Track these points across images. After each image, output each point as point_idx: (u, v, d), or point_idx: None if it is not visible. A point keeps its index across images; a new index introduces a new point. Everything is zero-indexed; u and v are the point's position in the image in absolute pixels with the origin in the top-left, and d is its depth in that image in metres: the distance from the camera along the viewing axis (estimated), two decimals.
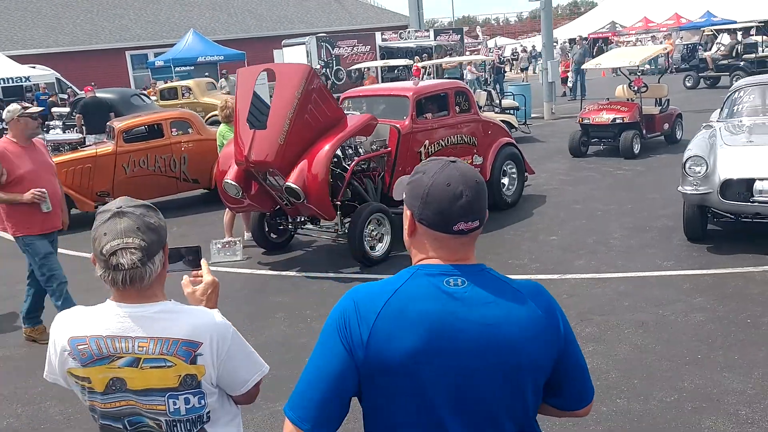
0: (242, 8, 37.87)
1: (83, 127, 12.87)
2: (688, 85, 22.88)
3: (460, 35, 37.02)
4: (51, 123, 15.50)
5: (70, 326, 1.83)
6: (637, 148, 11.51)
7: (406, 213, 1.64)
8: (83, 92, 13.54)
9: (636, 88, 11.96)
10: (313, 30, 35.33)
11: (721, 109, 7.95)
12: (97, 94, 15.33)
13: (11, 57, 25.44)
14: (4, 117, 5.27)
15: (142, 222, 1.77)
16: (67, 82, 27.44)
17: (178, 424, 1.83)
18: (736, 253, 6.49)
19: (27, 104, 5.51)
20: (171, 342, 1.78)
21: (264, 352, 4.95)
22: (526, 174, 9.19)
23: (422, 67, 17.83)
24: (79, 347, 1.79)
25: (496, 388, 1.52)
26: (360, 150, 7.38)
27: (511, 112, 14.45)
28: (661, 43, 34.02)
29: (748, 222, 6.57)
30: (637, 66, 12.60)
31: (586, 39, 34.47)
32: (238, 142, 6.75)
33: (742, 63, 21.45)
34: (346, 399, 1.56)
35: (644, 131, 11.76)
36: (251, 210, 7.45)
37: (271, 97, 7.45)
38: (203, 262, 2.12)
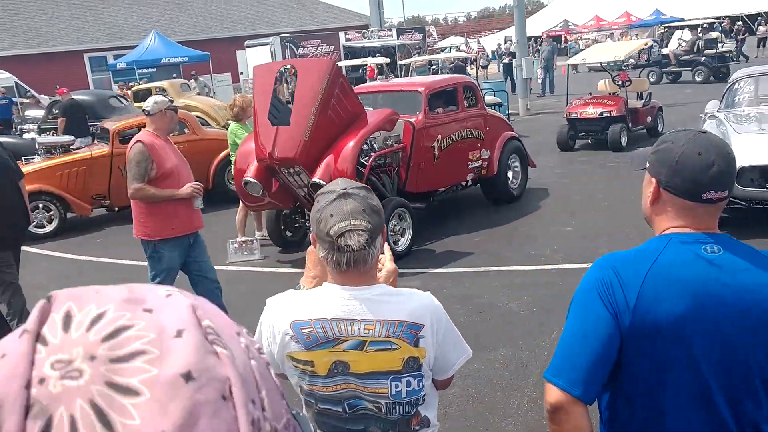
0: (202, 9, 37.35)
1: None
2: (652, 80, 23.41)
3: (422, 34, 37.25)
4: (24, 127, 15.05)
5: (291, 310, 1.80)
6: (624, 141, 11.77)
7: (650, 181, 1.67)
8: (58, 95, 13.17)
9: (621, 82, 12.23)
10: (275, 30, 35.08)
11: (722, 100, 8.20)
12: (74, 97, 14.97)
13: None
14: (150, 109, 4.96)
15: (366, 204, 1.76)
16: (25, 86, 26.68)
17: (397, 407, 1.82)
18: (748, 238, 6.71)
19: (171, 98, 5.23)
20: (396, 324, 1.77)
21: None
22: (528, 167, 9.33)
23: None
24: (304, 331, 1.77)
25: (759, 357, 1.55)
26: (374, 145, 7.38)
27: (495, 108, 14.60)
28: (618, 40, 34.74)
29: (758, 208, 6.81)
30: (622, 61, 12.89)
31: (539, 37, 34.96)
32: (259, 140, 6.68)
33: (703, 58, 22.11)
34: (609, 365, 1.58)
35: (630, 124, 12.04)
36: (271, 208, 7.38)
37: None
38: (386, 248, 2.11)
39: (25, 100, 24.19)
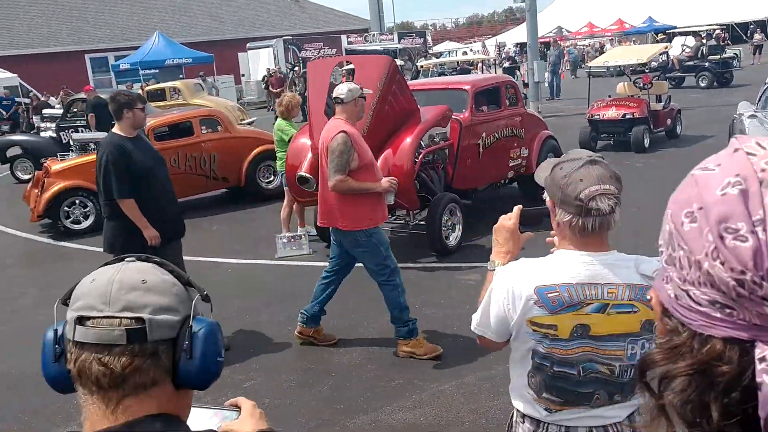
0: (203, 11, 37.33)
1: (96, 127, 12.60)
2: None
3: (423, 39, 37.45)
4: (42, 125, 14.99)
5: (534, 276, 1.87)
6: (647, 142, 11.92)
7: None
8: (83, 93, 13.12)
9: (642, 85, 12.39)
10: (275, 33, 35.12)
11: (758, 101, 8.36)
12: (99, 95, 14.95)
13: None
14: (344, 96, 4.66)
15: (611, 171, 1.84)
16: (27, 86, 26.57)
17: (629, 370, 1.89)
18: None
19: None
20: (638, 288, 1.84)
21: (377, 344, 5.00)
22: None
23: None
24: (549, 295, 1.83)
25: None
26: (421, 142, 7.46)
27: None
28: (614, 46, 35.06)
29: None
30: (644, 63, 13.06)
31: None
32: (314, 134, 6.73)
33: (707, 64, 22.39)
34: None
35: (651, 126, 12.19)
36: None
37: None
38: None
39: (26, 100, 24.09)
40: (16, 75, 24.88)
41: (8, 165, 14.58)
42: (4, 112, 22.55)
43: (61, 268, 7.90)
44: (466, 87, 7.86)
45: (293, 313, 5.40)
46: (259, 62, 31.23)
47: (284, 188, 7.95)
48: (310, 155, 7.07)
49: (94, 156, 9.63)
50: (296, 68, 30.26)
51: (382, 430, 4.05)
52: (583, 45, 46.10)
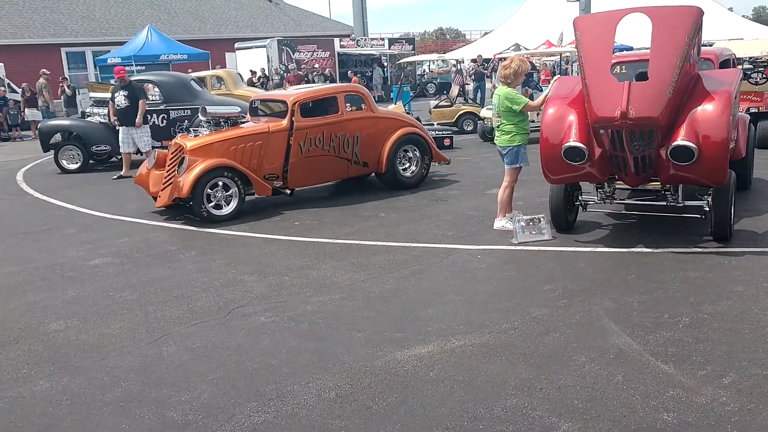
0: (182, 9, 35.59)
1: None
2: None
3: (412, 45, 36.85)
4: (88, 111, 13.39)
5: None
6: None
7: None
8: (115, 78, 11.60)
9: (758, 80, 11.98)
10: (258, 34, 33.82)
11: None
12: (149, 77, 13.48)
13: None
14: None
15: None
16: (2, 77, 24.36)
17: None
18: None
19: None
20: None
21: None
22: None
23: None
24: None
25: None
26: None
27: None
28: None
29: None
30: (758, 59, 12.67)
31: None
32: (599, 99, 5.81)
33: None
34: None
35: None
36: (582, 179, 6.49)
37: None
38: None
39: (16, 95, 21.98)
40: (2, 64, 22.68)
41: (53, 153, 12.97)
42: None
43: (269, 257, 6.64)
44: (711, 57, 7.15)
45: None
46: (251, 62, 29.81)
47: (509, 167, 6.97)
48: (575, 123, 6.16)
49: (230, 133, 8.48)
50: (291, 69, 29.10)
51: None
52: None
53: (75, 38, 30.64)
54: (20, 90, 21.97)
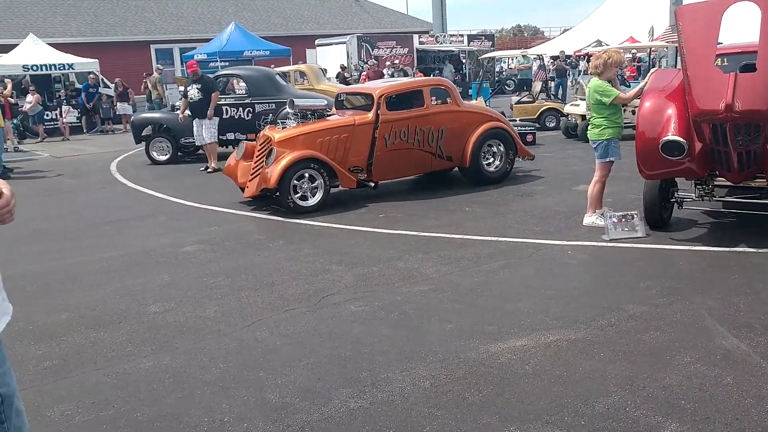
0: (265, 7, 36.40)
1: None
2: None
3: (491, 42, 36.49)
4: (177, 104, 13.82)
5: None
6: None
7: None
8: (189, 72, 11.89)
9: None
10: (339, 31, 34.21)
11: None
12: (235, 71, 13.86)
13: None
14: None
15: None
16: (97, 73, 25.45)
17: None
18: None
19: None
20: None
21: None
22: None
23: None
24: None
25: None
26: None
27: None
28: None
29: None
30: None
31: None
32: (702, 91, 5.56)
33: None
34: None
35: None
36: (680, 175, 6.26)
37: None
38: None
39: (108, 90, 22.98)
40: (96, 60, 23.72)
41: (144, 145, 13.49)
42: (87, 103, 21.44)
43: (353, 247, 6.71)
44: None
45: None
46: (331, 58, 30.18)
47: (600, 161, 6.78)
48: (674, 117, 5.93)
49: (317, 125, 8.60)
50: (368, 64, 29.26)
51: None
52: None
53: (164, 35, 31.80)
54: (113, 85, 22.95)
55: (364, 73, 24.87)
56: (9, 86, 15.67)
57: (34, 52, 22.16)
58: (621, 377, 3.67)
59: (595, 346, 4.09)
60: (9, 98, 14.70)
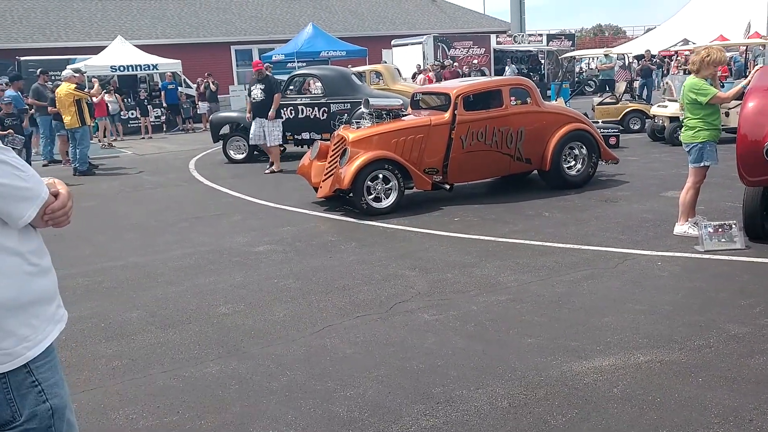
0: (342, 7, 36.58)
1: None
2: None
3: (572, 41, 35.55)
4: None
5: None
6: None
7: None
8: (254, 72, 11.86)
9: None
10: (415, 31, 34.02)
11: None
12: (311, 71, 13.88)
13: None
14: None
15: None
16: (179, 73, 26.10)
17: None
18: None
19: None
20: None
21: None
22: None
23: None
24: None
25: None
26: None
27: None
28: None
29: None
30: None
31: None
32: None
33: None
34: None
35: None
36: None
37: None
38: None
39: (189, 90, 23.55)
40: (179, 61, 24.35)
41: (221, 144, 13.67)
42: (165, 104, 21.99)
43: (439, 252, 6.50)
44: None
45: None
46: (407, 58, 30.03)
47: (693, 165, 6.32)
48: None
49: (392, 125, 8.42)
50: (446, 65, 28.92)
51: None
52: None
53: (244, 37, 32.36)
54: (194, 85, 23.49)
55: (425, 75, 24.49)
56: (96, 86, 16.30)
57: (121, 53, 22.91)
58: (724, 407, 3.31)
59: (692, 370, 3.72)
60: (94, 97, 15.22)
